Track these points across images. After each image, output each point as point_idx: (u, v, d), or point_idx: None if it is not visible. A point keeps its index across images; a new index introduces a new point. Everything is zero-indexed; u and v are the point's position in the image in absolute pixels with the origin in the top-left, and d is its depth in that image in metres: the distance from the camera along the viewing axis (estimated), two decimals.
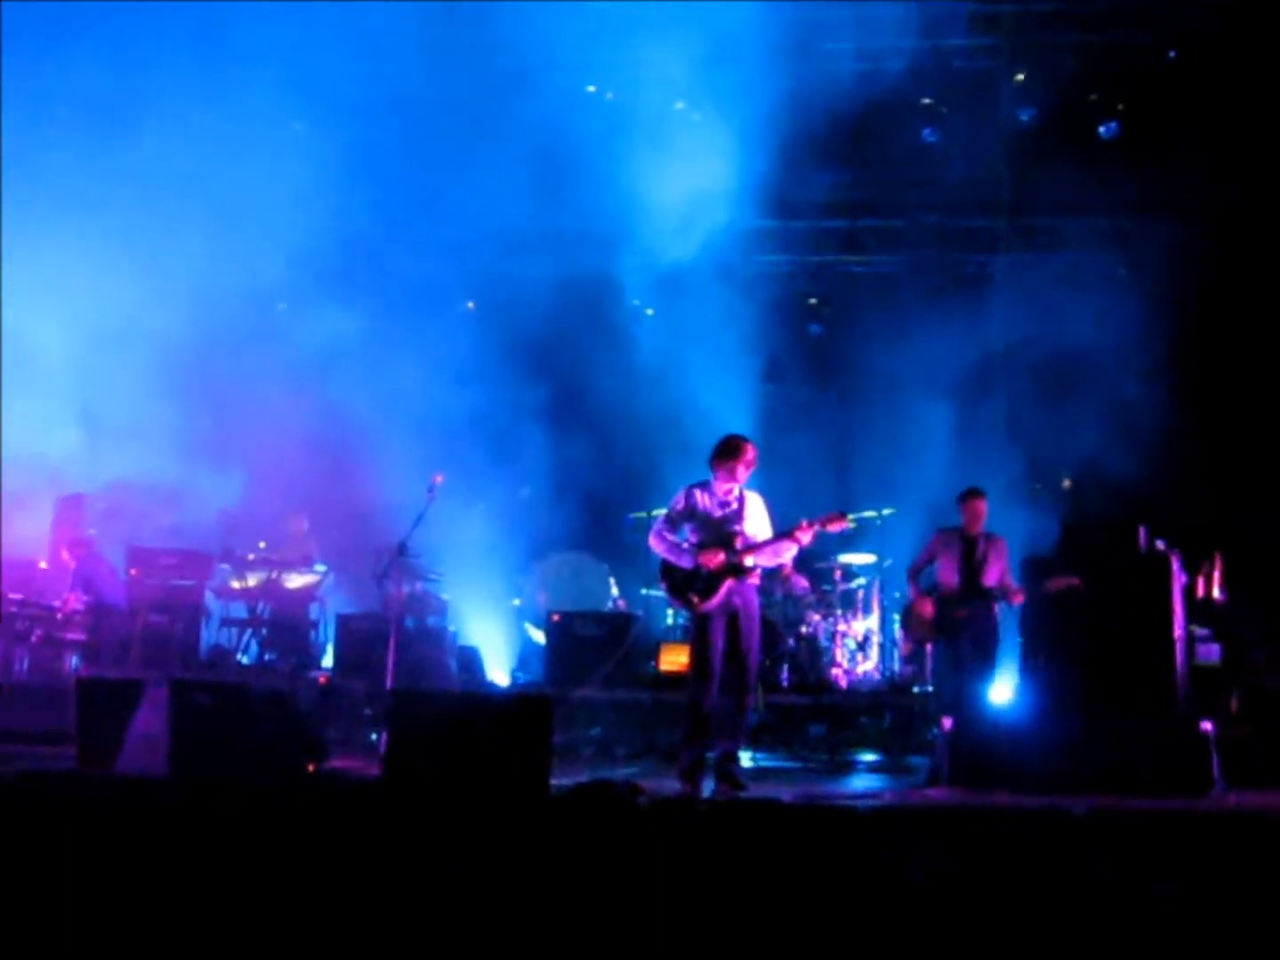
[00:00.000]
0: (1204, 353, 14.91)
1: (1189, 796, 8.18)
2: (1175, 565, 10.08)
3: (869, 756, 11.82)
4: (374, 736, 10.80)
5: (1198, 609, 11.71)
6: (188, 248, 14.02)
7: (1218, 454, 14.87)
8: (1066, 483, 16.24)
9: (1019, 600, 10.66)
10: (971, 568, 11.27)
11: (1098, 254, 16.69)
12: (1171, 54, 14.99)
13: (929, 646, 12.24)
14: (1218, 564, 12.24)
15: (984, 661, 11.00)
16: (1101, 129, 15.34)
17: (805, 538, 9.04)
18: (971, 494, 11.52)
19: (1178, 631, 9.84)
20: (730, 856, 6.90)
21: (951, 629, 11.15)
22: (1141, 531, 10.24)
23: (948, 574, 11.36)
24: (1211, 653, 11.58)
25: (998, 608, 11.23)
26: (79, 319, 13.59)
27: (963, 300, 16.17)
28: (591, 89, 15.22)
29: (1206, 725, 8.69)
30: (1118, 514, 13.91)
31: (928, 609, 11.30)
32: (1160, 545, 10.24)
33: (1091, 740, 8.82)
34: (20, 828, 7.08)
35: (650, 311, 17.13)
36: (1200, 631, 11.66)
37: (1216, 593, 12.16)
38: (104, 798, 7.49)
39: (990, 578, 11.18)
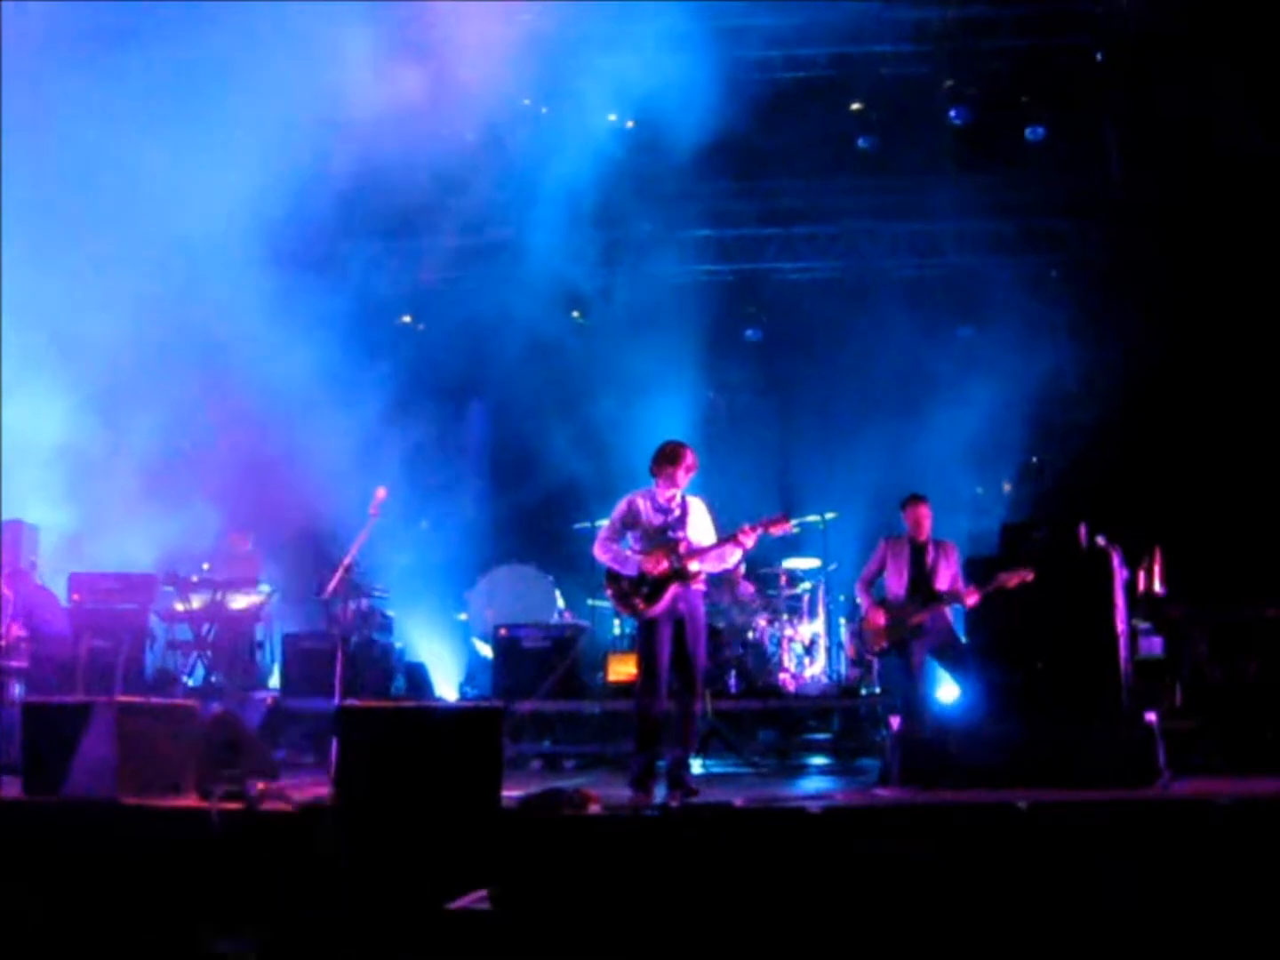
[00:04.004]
0: (1139, 350, 15.04)
1: (1135, 788, 8.26)
2: (1116, 560, 10.17)
3: (819, 760, 11.86)
4: (322, 755, 10.75)
5: (1139, 603, 11.83)
6: (124, 263, 13.81)
7: (1155, 448, 15.01)
8: (1007, 486, 16.35)
9: (973, 601, 10.50)
10: (922, 574, 11.14)
11: (1030, 256, 16.85)
12: (1099, 55, 15.13)
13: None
14: (1158, 558, 12.37)
15: (956, 662, 10.92)
16: (1028, 132, 15.45)
17: (748, 541, 9.07)
18: (913, 500, 11.41)
19: (1120, 626, 9.93)
20: (684, 861, 6.93)
21: (905, 637, 11.05)
22: (1082, 528, 10.34)
23: (895, 583, 11.20)
24: (1154, 646, 11.70)
25: (949, 611, 11.20)
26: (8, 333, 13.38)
27: (899, 304, 16.27)
28: (526, 102, 15.18)
29: (1150, 717, 8.77)
30: (1057, 512, 14.05)
31: (880, 618, 11.13)
32: (1101, 541, 10.33)
33: (1038, 736, 8.87)
34: None
35: (577, 314, 17.19)
36: (1142, 625, 11.78)
37: (1157, 586, 12.28)
38: (53, 823, 7.47)
39: (941, 583, 11.08)
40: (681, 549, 9.07)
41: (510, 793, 7.89)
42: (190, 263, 13.97)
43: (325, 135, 13.69)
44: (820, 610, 14.10)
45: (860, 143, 15.94)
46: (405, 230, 16.31)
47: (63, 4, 12.80)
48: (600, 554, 9.30)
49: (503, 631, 13.50)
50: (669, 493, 9.21)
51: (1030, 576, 10.00)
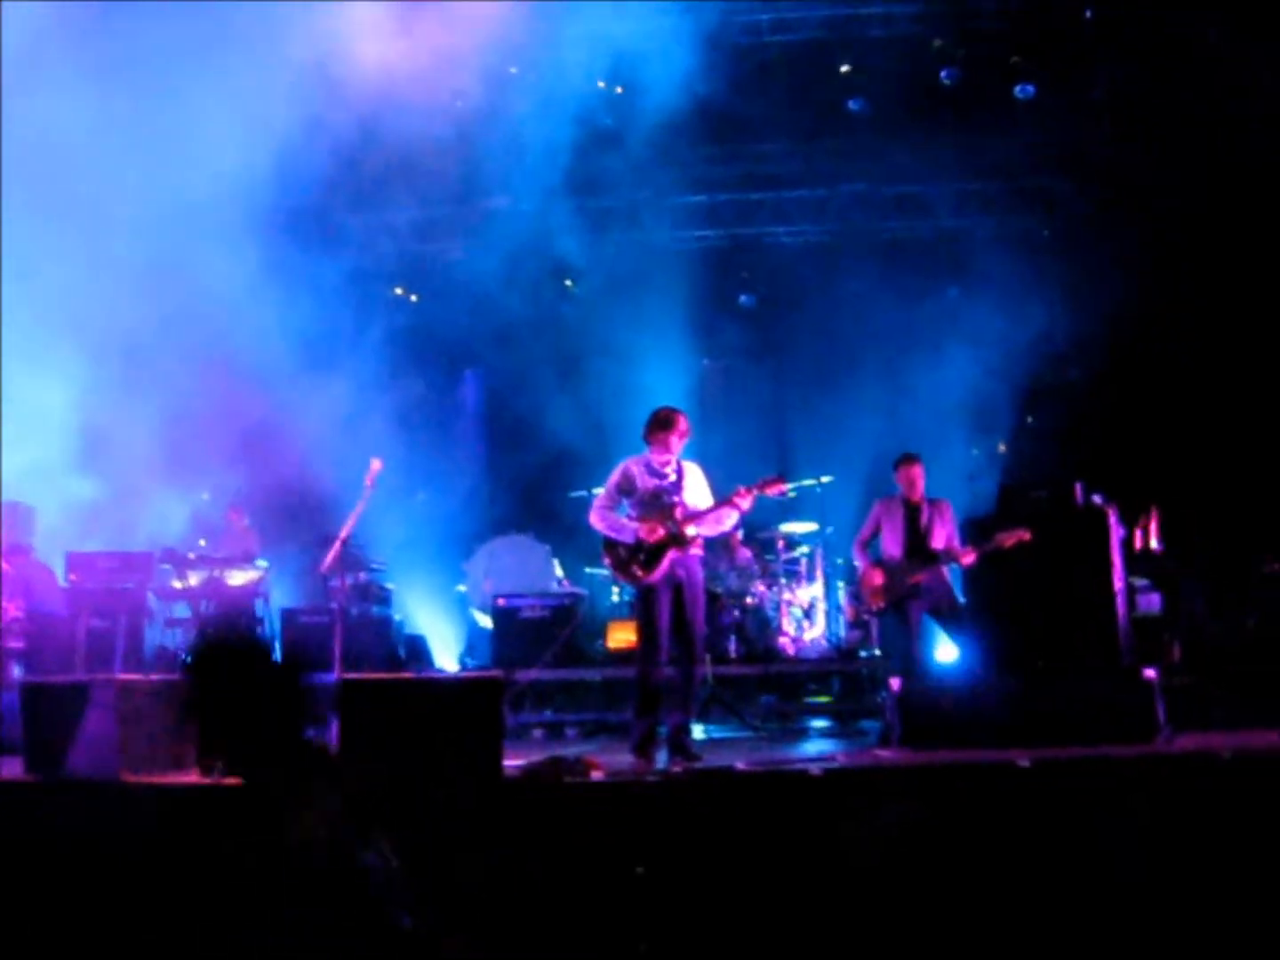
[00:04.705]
0: (1130, 308, 15.00)
1: (1136, 743, 8.27)
2: (1113, 518, 10.18)
3: (820, 723, 11.88)
4: (322, 729, 10.73)
5: (1137, 560, 11.84)
6: (123, 231, 13.72)
7: (1150, 406, 15.01)
8: (1001, 446, 16.37)
9: (969, 561, 10.52)
10: (917, 534, 11.12)
11: (1020, 216, 16.82)
12: (1088, 13, 15.02)
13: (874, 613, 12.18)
14: (1154, 515, 12.38)
15: (954, 622, 10.91)
16: (1017, 90, 15.34)
17: (745, 503, 9.06)
18: (906, 460, 11.37)
19: (1118, 583, 9.95)
20: (688, 827, 6.93)
21: (903, 596, 11.02)
22: (1078, 487, 10.34)
23: (892, 543, 11.18)
24: (1152, 603, 11.72)
25: (946, 570, 11.18)
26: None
27: (892, 267, 16.28)
28: (513, 70, 15.07)
29: (1150, 673, 8.77)
30: (1054, 471, 14.04)
31: (877, 578, 11.12)
32: (1097, 499, 10.33)
33: (1038, 694, 8.85)
34: None
35: (569, 282, 17.18)
36: (1140, 583, 11.79)
37: (1154, 543, 12.31)
38: (57, 802, 7.47)
39: (937, 542, 11.06)
40: (678, 514, 9.06)
41: (512, 762, 7.90)
42: (186, 233, 13.89)
43: (319, 105, 13.59)
44: (818, 574, 14.12)
45: (850, 105, 15.83)
46: (397, 200, 16.24)
47: None
48: (597, 522, 9.30)
49: (501, 602, 13.50)
50: (664, 458, 9.20)
51: (1027, 536, 10.01)
